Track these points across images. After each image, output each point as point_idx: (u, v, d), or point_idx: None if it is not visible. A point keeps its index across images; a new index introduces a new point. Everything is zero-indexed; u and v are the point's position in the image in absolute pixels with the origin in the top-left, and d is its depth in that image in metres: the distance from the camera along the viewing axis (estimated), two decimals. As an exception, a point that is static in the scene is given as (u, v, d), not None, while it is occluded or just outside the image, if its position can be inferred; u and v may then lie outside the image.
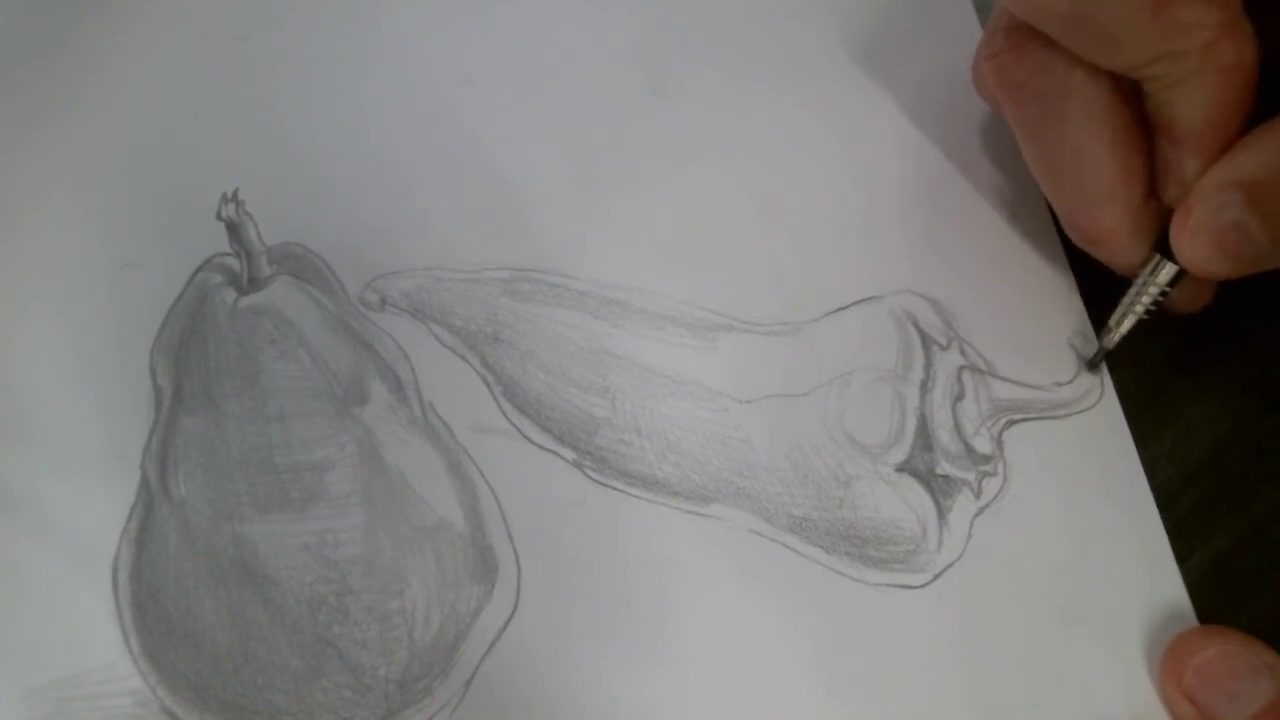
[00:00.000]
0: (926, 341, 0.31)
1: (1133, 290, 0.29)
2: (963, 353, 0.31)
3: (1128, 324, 0.30)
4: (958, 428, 0.31)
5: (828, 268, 0.32)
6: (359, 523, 0.29)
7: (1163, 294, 0.29)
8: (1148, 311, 0.29)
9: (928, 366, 0.31)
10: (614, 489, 0.30)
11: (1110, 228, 0.29)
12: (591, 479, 0.30)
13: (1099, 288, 0.31)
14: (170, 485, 0.29)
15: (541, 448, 0.30)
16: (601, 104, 0.33)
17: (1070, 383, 0.31)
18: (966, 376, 0.31)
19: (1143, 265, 0.29)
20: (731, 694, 0.29)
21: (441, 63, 0.33)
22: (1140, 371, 0.31)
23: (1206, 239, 0.26)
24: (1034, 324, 0.31)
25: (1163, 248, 0.28)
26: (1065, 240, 0.32)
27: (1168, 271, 0.28)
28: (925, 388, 0.31)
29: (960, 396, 0.31)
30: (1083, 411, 0.31)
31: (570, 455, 0.30)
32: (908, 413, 0.31)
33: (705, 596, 0.29)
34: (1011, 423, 0.31)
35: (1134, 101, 0.27)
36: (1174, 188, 0.27)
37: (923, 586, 0.30)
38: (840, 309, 0.32)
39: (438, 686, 0.29)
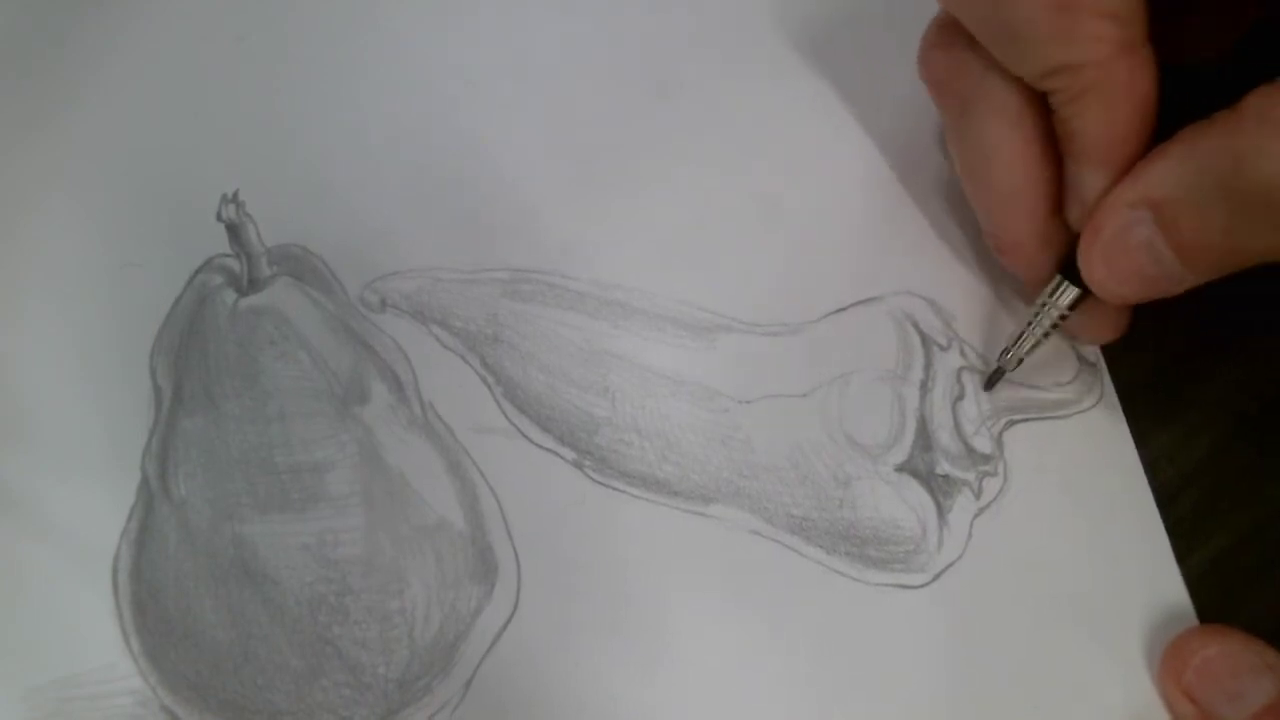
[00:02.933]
0: (926, 342, 0.31)
1: (1031, 311, 0.29)
2: (962, 353, 0.31)
3: (1027, 345, 0.29)
4: (957, 428, 0.31)
5: (828, 268, 0.32)
6: (359, 523, 0.29)
7: (1062, 317, 0.29)
8: (1046, 334, 0.29)
9: (927, 367, 0.31)
10: (614, 489, 0.30)
11: (1017, 238, 0.29)
12: (592, 479, 0.30)
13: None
14: (170, 485, 0.29)
15: (541, 448, 0.30)
16: (601, 104, 0.33)
17: (1070, 383, 0.31)
18: (966, 377, 0.31)
19: (1044, 285, 0.29)
20: (731, 694, 0.29)
21: (441, 63, 0.33)
22: (1140, 371, 0.31)
23: (1117, 259, 0.26)
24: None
25: (1068, 270, 0.28)
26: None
27: (1069, 294, 0.28)
28: (925, 388, 0.31)
29: (960, 397, 0.31)
30: (1083, 411, 0.31)
31: (570, 455, 0.30)
32: (907, 413, 0.31)
33: (705, 596, 0.29)
34: (1011, 423, 0.31)
35: (1046, 114, 0.27)
36: (1076, 205, 0.27)
37: (922, 586, 0.30)
38: (840, 309, 0.32)
39: (438, 686, 0.29)
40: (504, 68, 0.33)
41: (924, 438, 0.30)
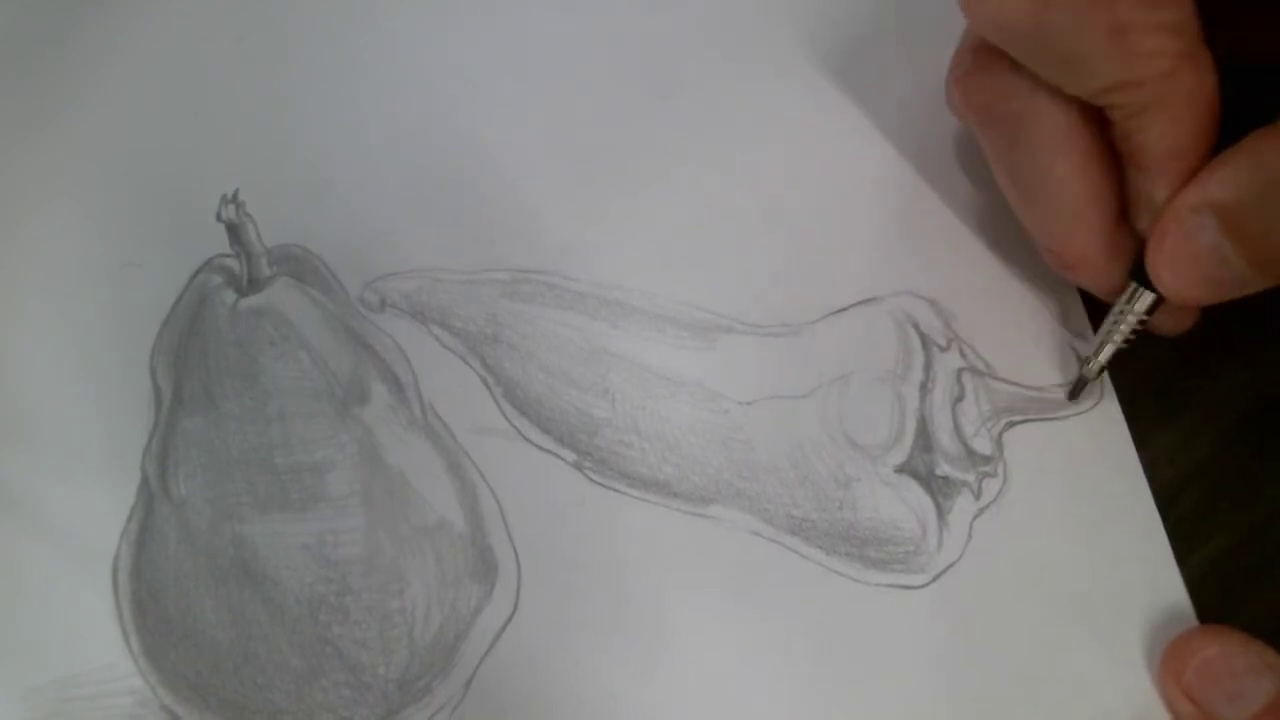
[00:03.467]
0: (926, 342, 0.31)
1: (1110, 319, 0.29)
2: (962, 354, 0.31)
3: (1107, 353, 0.29)
4: (957, 429, 0.31)
5: (828, 268, 0.32)
6: (359, 523, 0.29)
7: (1141, 322, 0.28)
8: (1127, 340, 0.29)
9: (927, 367, 0.31)
10: (614, 490, 0.30)
11: (1084, 252, 0.28)
12: (591, 480, 0.30)
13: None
14: (170, 485, 0.29)
15: (541, 449, 0.30)
16: (601, 104, 0.33)
17: (1070, 384, 0.31)
18: (966, 378, 0.31)
19: (1119, 294, 0.29)
20: (731, 694, 0.29)
21: (441, 63, 0.33)
22: (1140, 372, 0.31)
23: (1183, 264, 0.26)
24: (1034, 325, 0.31)
25: (1138, 275, 0.28)
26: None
27: (1145, 300, 0.28)
28: (925, 389, 0.31)
29: (960, 398, 0.31)
30: (1083, 412, 0.31)
31: (570, 456, 0.30)
32: (907, 414, 0.31)
33: (705, 597, 0.29)
34: (1011, 424, 0.31)
35: (1100, 125, 0.27)
36: (1145, 215, 0.27)
37: (922, 587, 0.30)
38: (840, 310, 0.31)
39: (438, 686, 0.29)
40: (504, 68, 0.33)
41: (924, 438, 0.30)
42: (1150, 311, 0.28)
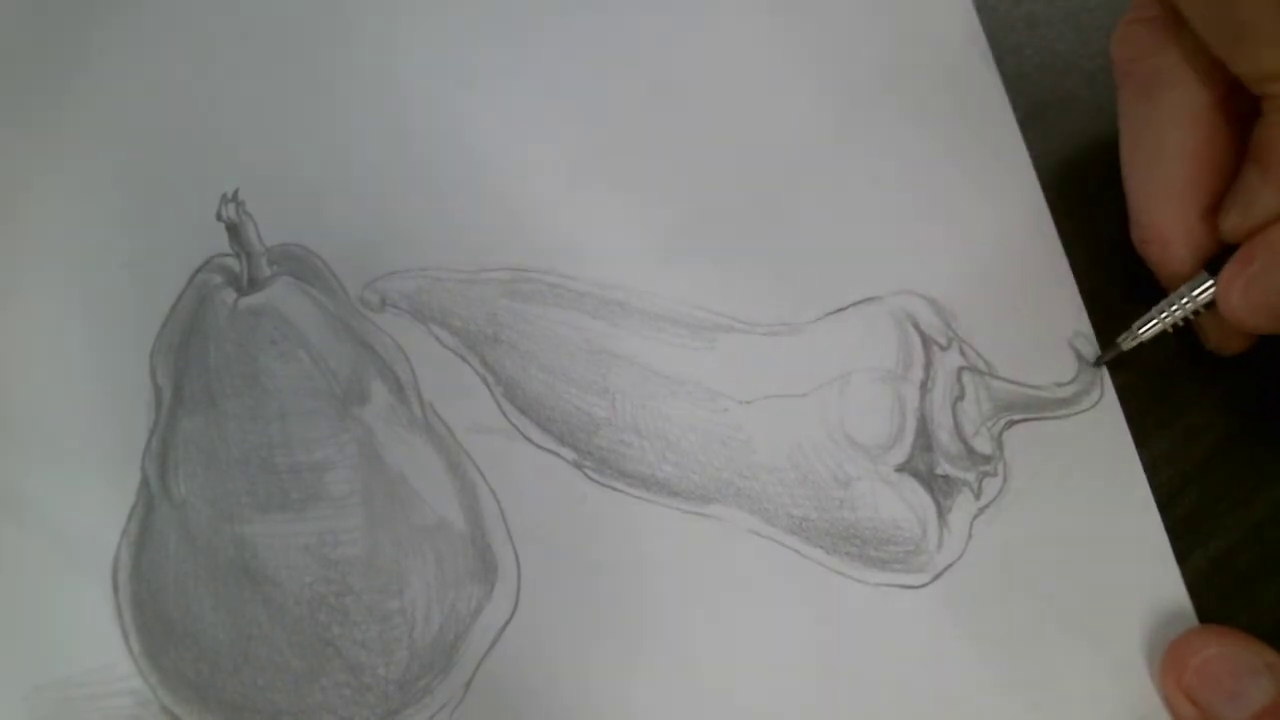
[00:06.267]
0: (926, 342, 0.31)
1: (1169, 299, 0.29)
2: (962, 353, 0.31)
3: (1151, 331, 0.29)
4: (957, 428, 0.31)
5: (828, 268, 0.32)
6: (359, 523, 0.29)
7: (1195, 313, 0.29)
8: (1174, 326, 0.29)
9: (927, 367, 0.31)
10: (614, 489, 0.30)
11: (1163, 232, 0.29)
12: (591, 479, 0.30)
13: (1099, 289, 0.31)
14: (170, 485, 0.29)
15: (541, 448, 0.30)
16: (601, 104, 0.33)
17: (1070, 383, 0.31)
18: (966, 377, 0.31)
19: (1180, 284, 0.29)
20: (731, 694, 0.29)
21: (442, 63, 0.33)
22: (1140, 372, 0.31)
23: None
24: (1034, 324, 0.31)
25: (1214, 268, 0.28)
26: (1066, 241, 0.32)
27: (1208, 293, 0.28)
28: (925, 388, 0.31)
29: (960, 397, 0.31)
30: (1083, 411, 0.31)
31: (570, 455, 0.30)
32: (908, 413, 0.31)
33: (705, 597, 0.29)
34: (1011, 423, 0.31)
35: (1232, 122, 0.27)
36: (1237, 214, 0.27)
37: (923, 586, 0.30)
38: (840, 309, 0.32)
39: (437, 686, 0.29)
40: (504, 67, 0.33)
41: (924, 438, 0.30)
42: (1208, 306, 0.28)
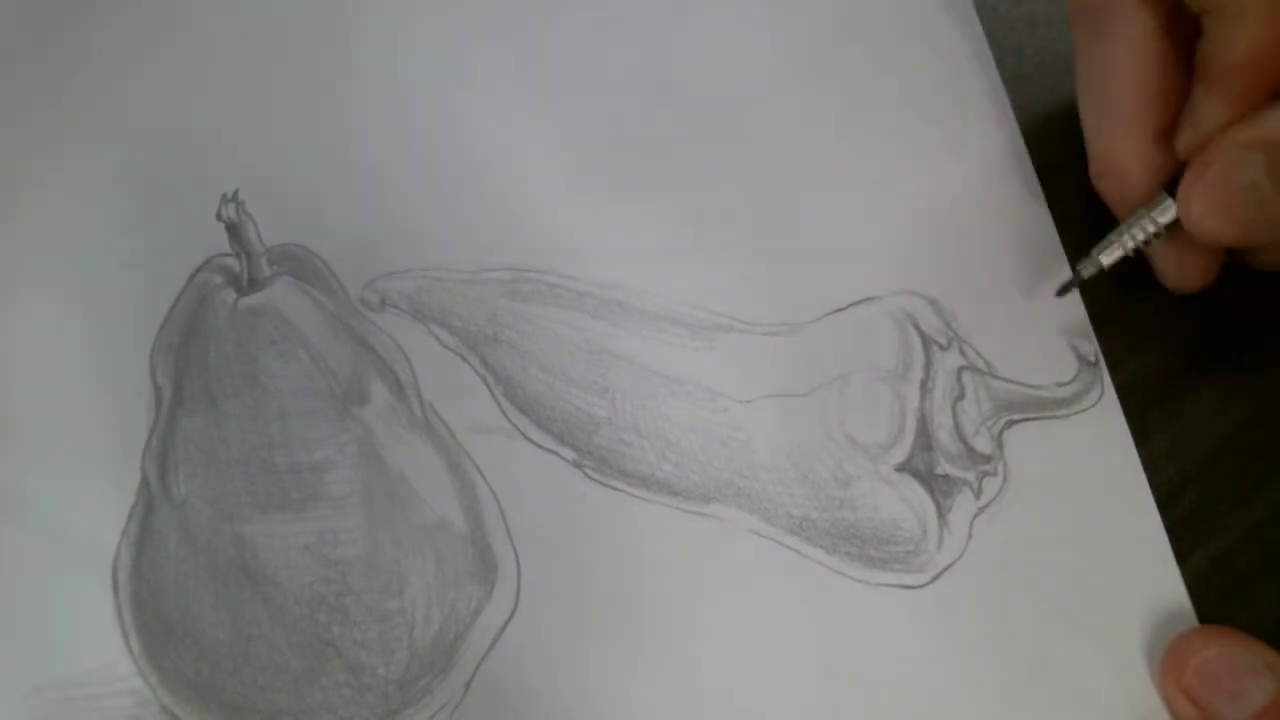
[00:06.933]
0: (926, 341, 0.31)
1: (1128, 222, 0.29)
2: (962, 353, 0.31)
3: (1112, 257, 0.29)
4: (958, 428, 0.31)
5: (828, 268, 0.32)
6: (359, 523, 0.29)
7: (1155, 234, 0.28)
8: (1135, 250, 0.29)
9: (927, 366, 0.31)
10: (614, 489, 0.30)
11: (1120, 160, 0.29)
12: (591, 479, 0.30)
13: (1100, 288, 0.31)
14: (170, 485, 0.29)
15: (541, 448, 0.30)
16: (601, 104, 0.33)
17: (1070, 383, 0.31)
18: (966, 377, 0.31)
19: (1146, 202, 0.29)
20: (731, 694, 0.29)
21: (442, 63, 0.33)
22: (1140, 371, 0.31)
23: (1218, 196, 0.26)
24: (1034, 324, 0.31)
25: (1173, 189, 0.28)
26: (1066, 241, 0.32)
27: (1168, 213, 0.28)
28: (925, 388, 0.31)
29: (960, 396, 0.31)
30: (1083, 411, 0.31)
31: (570, 455, 0.30)
32: (908, 413, 0.31)
33: (705, 597, 0.29)
34: (1011, 423, 0.31)
35: (1179, 47, 0.27)
36: (1190, 131, 0.27)
37: (923, 586, 0.30)
38: (840, 309, 0.32)
39: (437, 686, 0.29)
40: (504, 67, 0.33)
41: (924, 437, 0.30)
42: (1169, 228, 0.28)
